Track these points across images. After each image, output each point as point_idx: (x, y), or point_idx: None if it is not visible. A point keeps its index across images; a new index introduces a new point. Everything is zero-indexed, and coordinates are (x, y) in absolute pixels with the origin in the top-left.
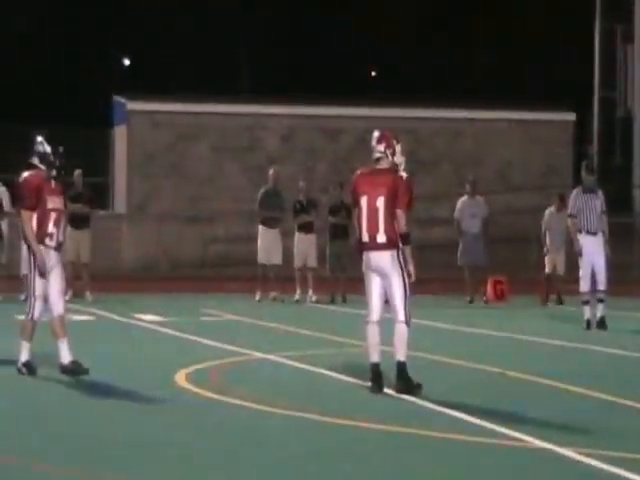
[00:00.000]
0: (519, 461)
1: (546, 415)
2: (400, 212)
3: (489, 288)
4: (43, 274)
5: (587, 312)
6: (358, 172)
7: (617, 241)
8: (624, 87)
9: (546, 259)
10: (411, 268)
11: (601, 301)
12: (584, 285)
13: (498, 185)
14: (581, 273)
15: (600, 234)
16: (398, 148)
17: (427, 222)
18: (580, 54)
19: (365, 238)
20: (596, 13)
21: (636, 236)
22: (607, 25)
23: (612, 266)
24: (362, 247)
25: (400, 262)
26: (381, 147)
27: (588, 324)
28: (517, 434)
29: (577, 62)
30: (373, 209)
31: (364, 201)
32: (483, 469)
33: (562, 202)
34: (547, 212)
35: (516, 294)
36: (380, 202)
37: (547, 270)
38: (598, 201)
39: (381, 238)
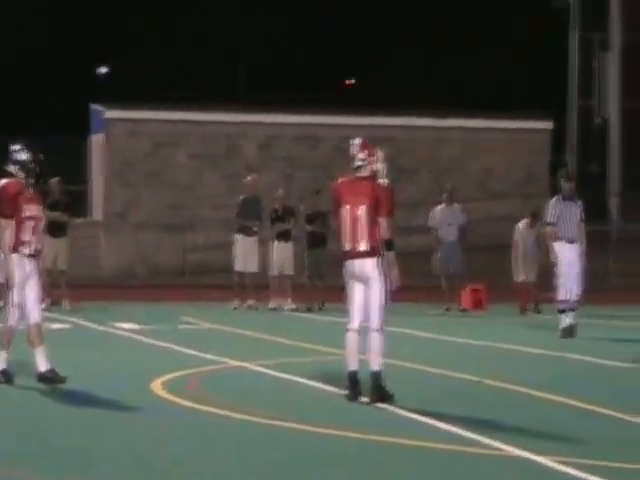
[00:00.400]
0: (496, 469)
1: (523, 423)
2: (382, 219)
3: (466, 296)
4: (11, 285)
5: (563, 320)
6: (339, 180)
7: (593, 249)
8: (600, 95)
9: (520, 269)
10: (394, 274)
11: (572, 310)
12: (562, 293)
13: (479, 193)
14: (559, 281)
15: (578, 242)
16: (379, 155)
17: (407, 230)
18: (559, 62)
19: (348, 247)
20: (573, 22)
21: (612, 244)
22: (584, 33)
23: (588, 274)
24: (345, 255)
25: (382, 270)
26: (362, 155)
27: (564, 332)
28: (494, 442)
29: (555, 70)
30: (355, 218)
31: (346, 210)
32: (460, 477)
33: (534, 219)
34: (518, 227)
35: (495, 302)
36: (362, 211)
37: (520, 279)
38: (577, 209)
39: (364, 246)
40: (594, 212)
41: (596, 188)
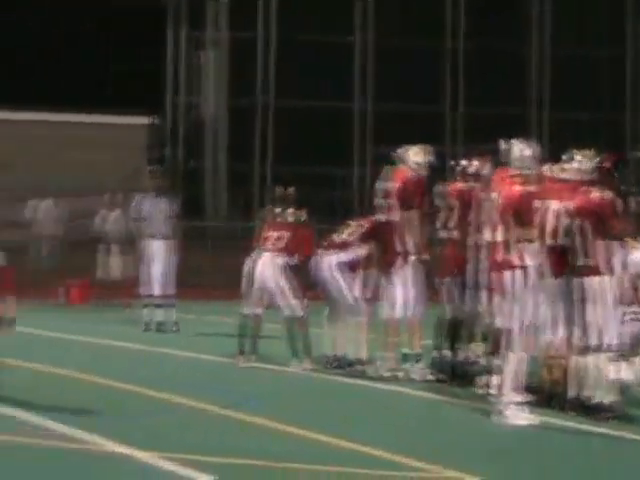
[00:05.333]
0: (90, 465)
1: (128, 421)
2: None
3: (68, 292)
4: None
5: (147, 315)
6: None
7: (190, 245)
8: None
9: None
10: None
11: (159, 306)
12: (146, 289)
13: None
14: (142, 277)
15: (164, 239)
16: None
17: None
18: (159, 58)
19: None
20: (176, 18)
21: (208, 240)
22: (187, 31)
23: (184, 270)
24: None
25: None
26: None
27: (147, 326)
28: (102, 440)
29: (156, 66)
30: None
31: None
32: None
33: (113, 205)
34: (100, 216)
35: (97, 297)
36: None
37: (102, 275)
38: (165, 205)
39: None
40: (191, 208)
41: (199, 184)
